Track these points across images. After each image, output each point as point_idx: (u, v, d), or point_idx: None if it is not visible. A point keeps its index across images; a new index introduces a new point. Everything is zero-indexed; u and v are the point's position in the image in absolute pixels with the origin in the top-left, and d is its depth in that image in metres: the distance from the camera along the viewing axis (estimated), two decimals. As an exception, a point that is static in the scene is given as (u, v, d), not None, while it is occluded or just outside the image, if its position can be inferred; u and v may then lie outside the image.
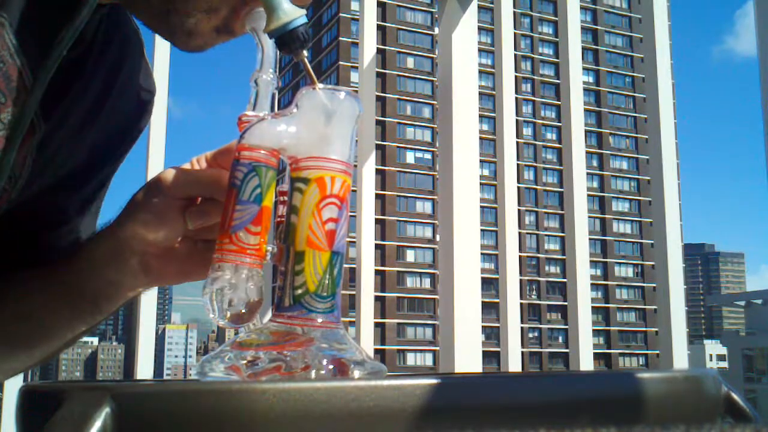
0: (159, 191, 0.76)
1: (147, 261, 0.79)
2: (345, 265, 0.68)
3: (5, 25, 0.71)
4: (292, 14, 0.69)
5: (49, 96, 0.75)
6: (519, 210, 2.30)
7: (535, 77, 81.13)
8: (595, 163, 79.60)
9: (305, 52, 0.71)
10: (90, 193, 0.93)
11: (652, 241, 1.97)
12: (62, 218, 0.91)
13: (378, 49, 2.67)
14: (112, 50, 0.85)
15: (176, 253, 0.79)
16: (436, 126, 65.46)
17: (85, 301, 0.84)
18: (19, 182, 0.77)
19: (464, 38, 2.22)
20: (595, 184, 78.97)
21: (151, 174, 2.03)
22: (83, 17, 0.75)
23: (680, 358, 1.82)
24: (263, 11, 0.71)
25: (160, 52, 2.07)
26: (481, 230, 2.15)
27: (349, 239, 0.78)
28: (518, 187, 2.30)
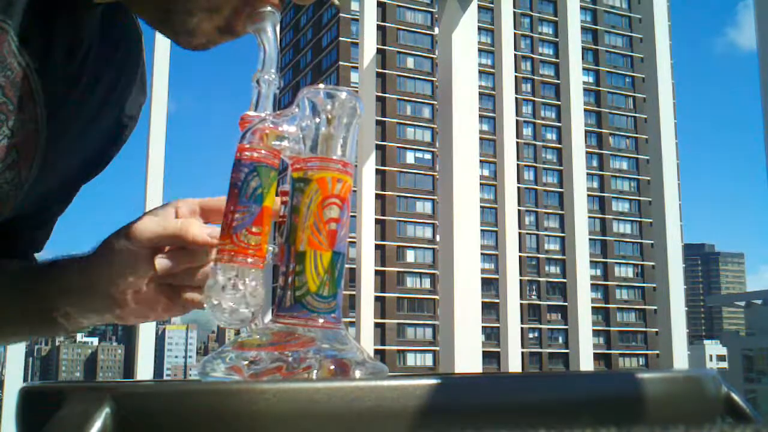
0: (130, 239, 0.78)
1: (113, 302, 0.81)
2: (345, 266, 0.68)
3: (9, 31, 0.71)
4: None
5: (53, 103, 0.75)
6: (519, 210, 2.30)
7: (535, 77, 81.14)
8: (595, 163, 79.62)
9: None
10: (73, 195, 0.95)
11: (652, 241, 1.97)
12: (48, 218, 0.93)
13: (378, 49, 2.67)
14: (113, 58, 0.85)
15: (143, 296, 0.81)
16: (436, 126, 65.48)
17: (41, 315, 0.85)
18: (24, 187, 0.78)
19: (464, 38, 2.22)
20: (595, 184, 78.99)
21: (151, 169, 2.04)
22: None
23: (680, 359, 1.82)
24: (267, 12, 0.72)
25: (160, 50, 2.07)
26: (481, 230, 2.15)
27: (349, 239, 0.78)
28: (518, 187, 2.30)
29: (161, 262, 0.78)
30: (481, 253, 2.13)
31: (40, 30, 0.73)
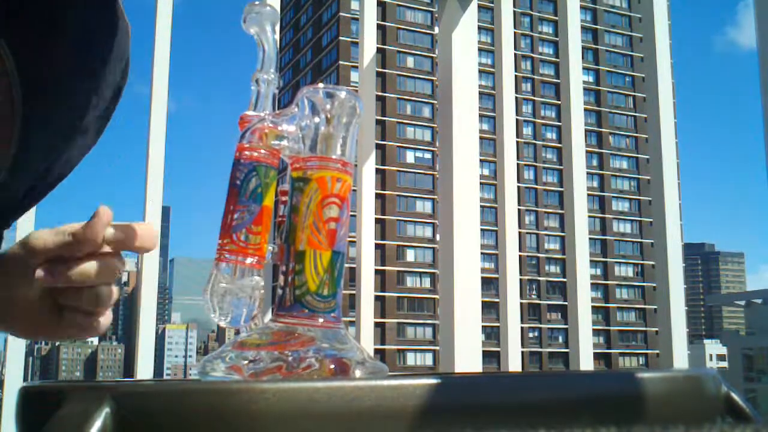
0: (24, 248, 0.76)
1: (3, 312, 0.79)
2: (345, 265, 0.68)
3: None
4: None
5: (29, 84, 0.73)
6: (519, 210, 2.30)
7: (535, 77, 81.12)
8: (595, 163, 79.64)
9: None
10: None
11: (652, 241, 1.96)
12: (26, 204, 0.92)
13: (378, 48, 2.67)
14: (99, 48, 0.84)
15: (32, 312, 0.78)
16: (436, 125, 65.49)
17: None
18: (1, 172, 0.76)
19: (464, 38, 2.22)
20: (595, 184, 79.01)
21: (151, 169, 2.04)
22: None
23: (680, 358, 1.82)
24: (267, 12, 0.71)
25: (160, 50, 2.07)
26: (481, 230, 2.15)
27: (349, 239, 0.78)
28: (518, 187, 2.30)
29: (39, 272, 0.73)
30: (481, 253, 2.13)
31: (12, 6, 0.71)
